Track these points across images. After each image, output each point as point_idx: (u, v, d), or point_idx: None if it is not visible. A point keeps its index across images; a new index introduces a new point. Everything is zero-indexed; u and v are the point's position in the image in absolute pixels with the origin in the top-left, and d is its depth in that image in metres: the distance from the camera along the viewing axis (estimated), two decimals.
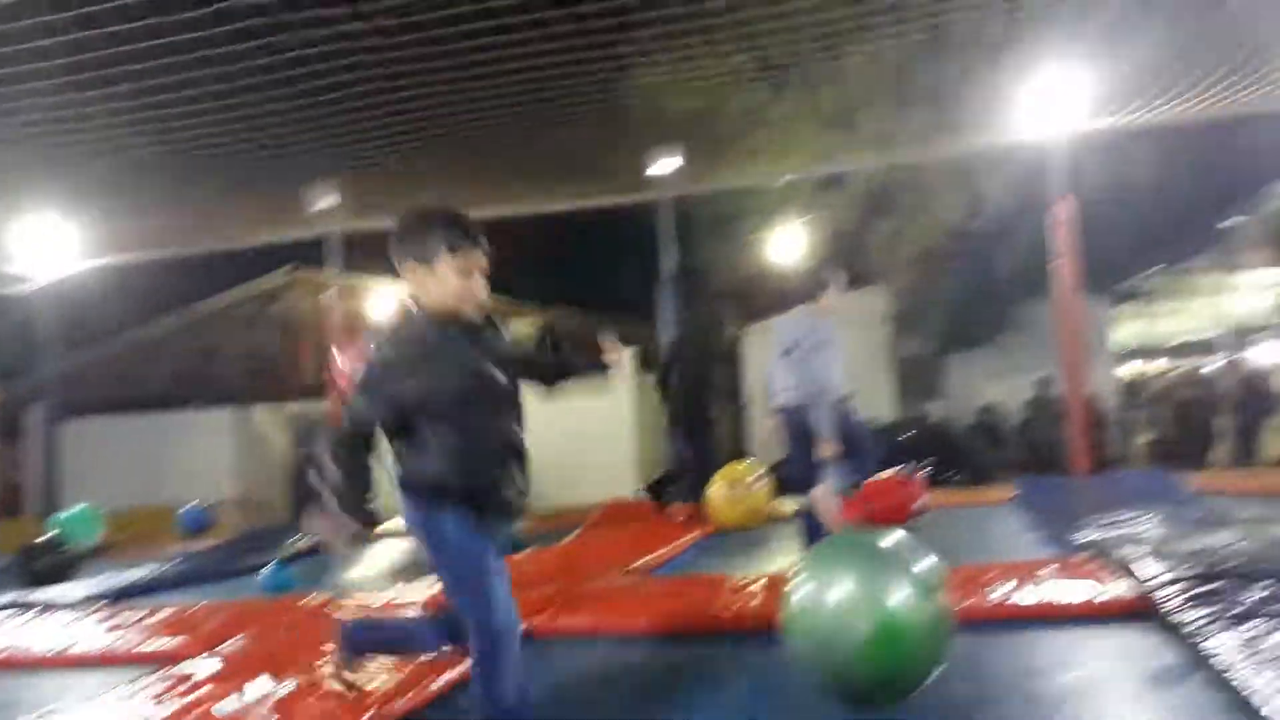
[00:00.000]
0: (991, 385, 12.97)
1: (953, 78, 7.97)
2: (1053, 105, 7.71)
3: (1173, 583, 3.39)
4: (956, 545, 5.49)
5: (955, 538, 5.79)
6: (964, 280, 12.83)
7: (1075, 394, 7.98)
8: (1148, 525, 4.91)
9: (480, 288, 2.31)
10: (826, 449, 4.90)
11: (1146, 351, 16.01)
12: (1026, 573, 3.98)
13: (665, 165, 9.14)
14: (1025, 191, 10.56)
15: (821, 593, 2.49)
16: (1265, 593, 3.18)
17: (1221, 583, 3.32)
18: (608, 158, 9.31)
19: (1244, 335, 16.08)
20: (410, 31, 5.90)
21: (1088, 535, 4.82)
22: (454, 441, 2.25)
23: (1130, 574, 3.68)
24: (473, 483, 2.27)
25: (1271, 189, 12.62)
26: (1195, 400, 12.43)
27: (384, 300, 11.84)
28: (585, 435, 10.95)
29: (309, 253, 10.98)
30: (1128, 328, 15.57)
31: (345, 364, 6.81)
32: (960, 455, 11.36)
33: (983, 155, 10.78)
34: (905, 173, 12.34)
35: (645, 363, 11.42)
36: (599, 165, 9.53)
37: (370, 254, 11.27)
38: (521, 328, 12.50)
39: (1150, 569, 3.63)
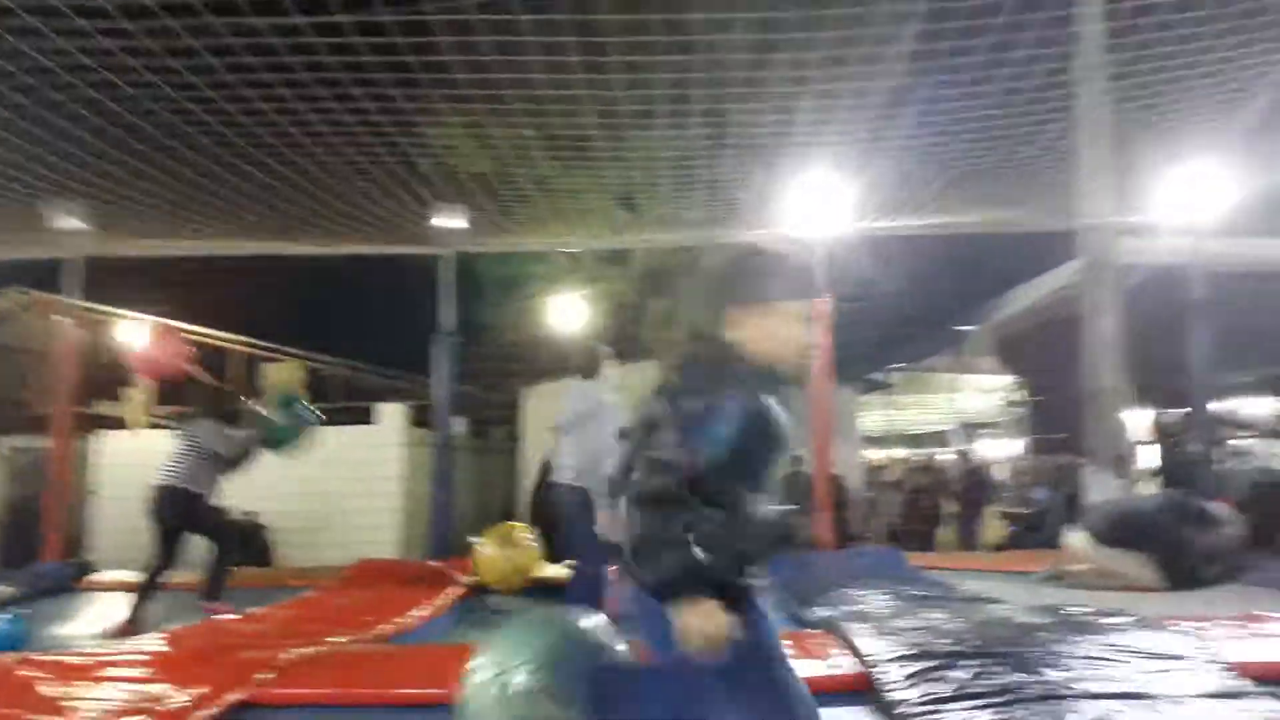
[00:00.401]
0: None
1: (729, 171, 8.46)
2: (815, 207, 8.29)
3: (891, 660, 3.61)
4: None
5: None
6: None
7: (822, 474, 8.49)
8: (877, 602, 5.24)
9: (811, 339, 2.12)
10: (604, 519, 5.04)
11: (889, 439, 17.34)
12: None
13: (449, 220, 9.04)
14: None
15: (501, 684, 2.34)
16: (971, 674, 3.44)
17: (936, 661, 3.57)
18: (390, 207, 9.12)
19: (972, 430, 17.79)
20: (177, 56, 5.58)
21: (823, 611, 5.08)
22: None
23: (855, 651, 3.90)
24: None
25: (998, 302, 14.12)
26: (927, 486, 13.55)
27: (128, 332, 10.88)
28: (348, 492, 10.46)
29: (43, 275, 9.95)
30: (874, 416, 16.82)
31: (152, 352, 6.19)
32: None
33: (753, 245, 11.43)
34: (684, 254, 12.90)
35: (420, 420, 11.10)
36: (381, 214, 9.32)
37: (116, 282, 10.40)
38: (282, 373, 11.75)
39: (873, 646, 3.86)
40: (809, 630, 4.71)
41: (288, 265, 12.12)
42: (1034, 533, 11.41)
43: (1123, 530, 6.09)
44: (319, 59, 5.71)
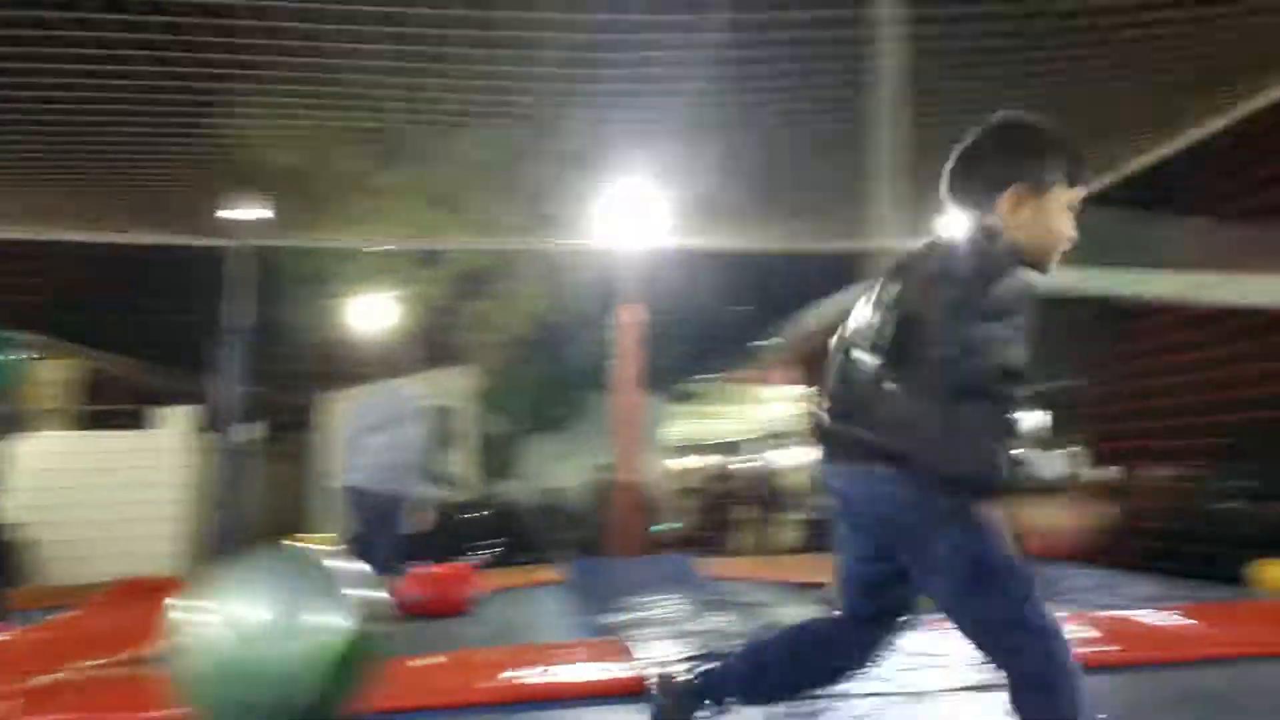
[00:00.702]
0: (560, 468, 13.62)
1: (546, 178, 8.43)
2: (630, 219, 8.43)
3: (673, 663, 3.68)
4: (505, 628, 5.59)
5: (505, 620, 5.88)
6: (544, 367, 13.47)
7: (626, 481, 8.60)
8: (665, 608, 5.36)
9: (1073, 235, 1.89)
10: (425, 519, 5.01)
11: (692, 448, 17.77)
12: (552, 655, 4.11)
13: (246, 212, 8.55)
14: (604, 292, 11.38)
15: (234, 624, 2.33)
16: None
17: (713, 664, 3.66)
18: (183, 196, 8.53)
19: (770, 439, 18.51)
20: None
21: (615, 617, 5.15)
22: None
23: (636, 655, 3.95)
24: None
25: (796, 318, 14.74)
26: (723, 493, 14.01)
27: None
28: (124, 501, 9.68)
29: None
30: (679, 425, 17.24)
31: None
32: (526, 534, 11.68)
33: (570, 254, 11.48)
34: (499, 259, 12.78)
35: (208, 424, 10.41)
36: (173, 203, 8.70)
37: None
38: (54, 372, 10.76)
39: (654, 650, 3.92)
40: (596, 637, 4.74)
41: (67, 253, 11.12)
42: (825, 537, 12.00)
43: None
44: (91, 16, 5.20)
